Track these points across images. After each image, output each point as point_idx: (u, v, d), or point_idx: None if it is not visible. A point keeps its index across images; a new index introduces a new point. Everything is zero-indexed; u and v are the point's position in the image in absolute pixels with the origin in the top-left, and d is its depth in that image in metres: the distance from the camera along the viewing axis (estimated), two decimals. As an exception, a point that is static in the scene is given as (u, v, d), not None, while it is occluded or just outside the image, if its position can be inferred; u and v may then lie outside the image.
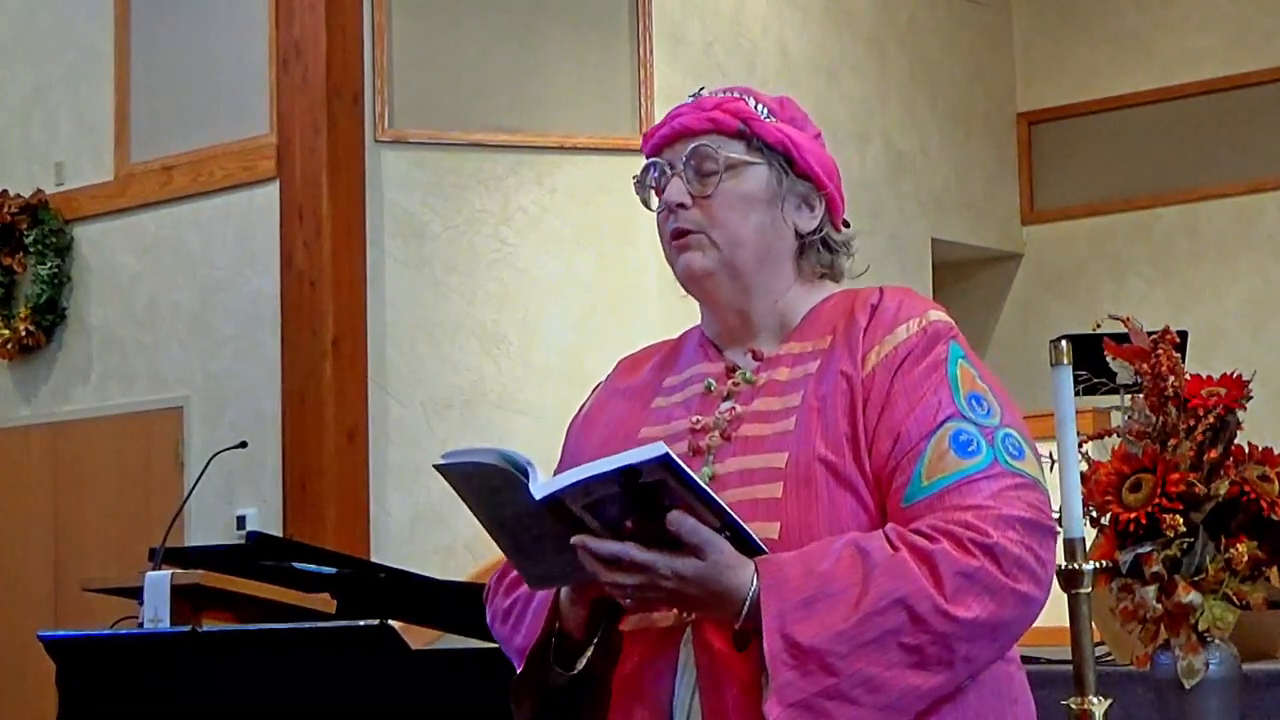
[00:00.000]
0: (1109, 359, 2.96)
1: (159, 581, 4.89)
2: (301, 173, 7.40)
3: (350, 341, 7.33)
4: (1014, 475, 2.01)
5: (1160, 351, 2.87)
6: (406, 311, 7.51)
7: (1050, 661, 4.22)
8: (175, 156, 8.01)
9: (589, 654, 2.09)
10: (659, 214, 2.19)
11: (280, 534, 7.09)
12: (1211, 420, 2.83)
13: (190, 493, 6.54)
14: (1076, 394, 2.30)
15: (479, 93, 7.72)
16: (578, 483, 1.90)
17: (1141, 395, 2.91)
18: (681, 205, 2.15)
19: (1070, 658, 2.19)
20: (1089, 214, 10.08)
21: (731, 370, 2.18)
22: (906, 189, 9.44)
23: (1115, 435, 2.92)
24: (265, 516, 7.45)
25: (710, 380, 2.18)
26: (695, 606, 1.98)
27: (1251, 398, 2.89)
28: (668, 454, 1.87)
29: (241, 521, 7.50)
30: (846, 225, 2.25)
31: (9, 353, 8.42)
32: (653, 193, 2.20)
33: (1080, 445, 2.42)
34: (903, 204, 9.40)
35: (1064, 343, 2.23)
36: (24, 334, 8.33)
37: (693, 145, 2.15)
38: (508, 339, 7.60)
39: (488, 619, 2.25)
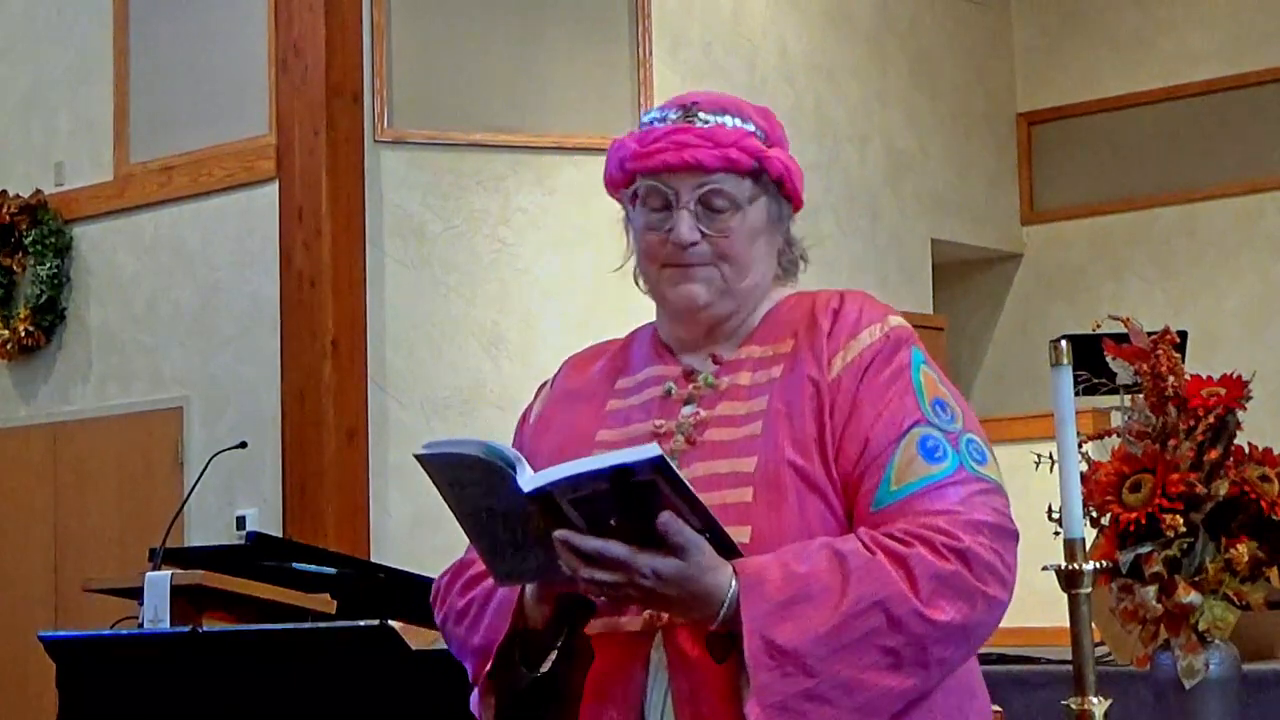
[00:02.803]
0: (1109, 359, 2.96)
1: (159, 582, 4.89)
2: (301, 173, 7.39)
3: (350, 342, 7.33)
4: (979, 480, 2.04)
5: (1160, 351, 2.87)
6: (406, 312, 7.51)
7: (1050, 661, 4.22)
8: (175, 156, 8.00)
9: (554, 656, 2.09)
10: (650, 236, 2.16)
11: (280, 534, 7.09)
12: (1211, 420, 2.83)
13: (190, 493, 6.54)
14: (1076, 394, 2.30)
15: (479, 93, 7.71)
16: (568, 477, 1.91)
17: (1141, 395, 2.91)
18: (693, 243, 2.13)
19: (1070, 658, 2.19)
20: (1089, 214, 10.07)
21: (690, 374, 2.17)
22: (906, 189, 9.43)
23: (1115, 435, 2.92)
24: (265, 516, 7.45)
25: (670, 384, 2.17)
26: (672, 607, 1.98)
27: (1251, 398, 2.89)
28: (662, 456, 1.88)
29: (241, 522, 7.50)
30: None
31: (9, 353, 8.41)
32: (643, 208, 2.17)
33: (1080, 445, 2.42)
34: (903, 204, 9.39)
35: (1064, 343, 2.23)
36: (24, 334, 8.32)
37: (708, 187, 2.12)
38: (507, 339, 7.60)
39: (438, 620, 2.23)
